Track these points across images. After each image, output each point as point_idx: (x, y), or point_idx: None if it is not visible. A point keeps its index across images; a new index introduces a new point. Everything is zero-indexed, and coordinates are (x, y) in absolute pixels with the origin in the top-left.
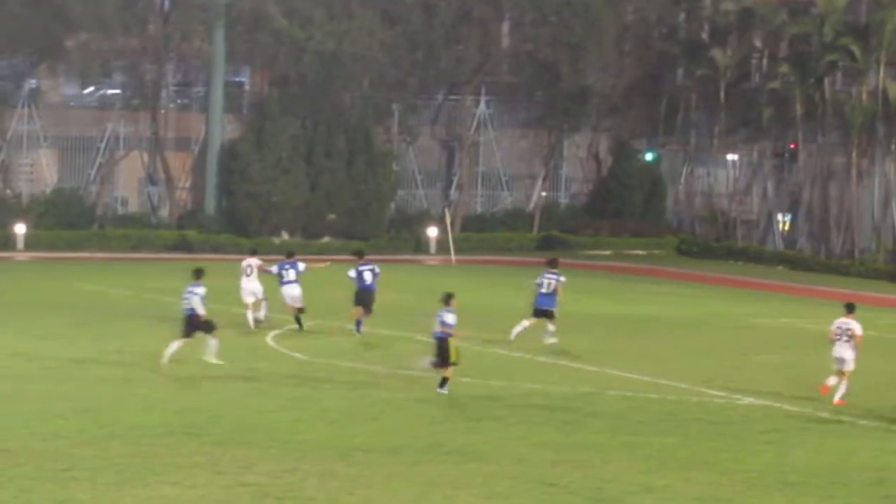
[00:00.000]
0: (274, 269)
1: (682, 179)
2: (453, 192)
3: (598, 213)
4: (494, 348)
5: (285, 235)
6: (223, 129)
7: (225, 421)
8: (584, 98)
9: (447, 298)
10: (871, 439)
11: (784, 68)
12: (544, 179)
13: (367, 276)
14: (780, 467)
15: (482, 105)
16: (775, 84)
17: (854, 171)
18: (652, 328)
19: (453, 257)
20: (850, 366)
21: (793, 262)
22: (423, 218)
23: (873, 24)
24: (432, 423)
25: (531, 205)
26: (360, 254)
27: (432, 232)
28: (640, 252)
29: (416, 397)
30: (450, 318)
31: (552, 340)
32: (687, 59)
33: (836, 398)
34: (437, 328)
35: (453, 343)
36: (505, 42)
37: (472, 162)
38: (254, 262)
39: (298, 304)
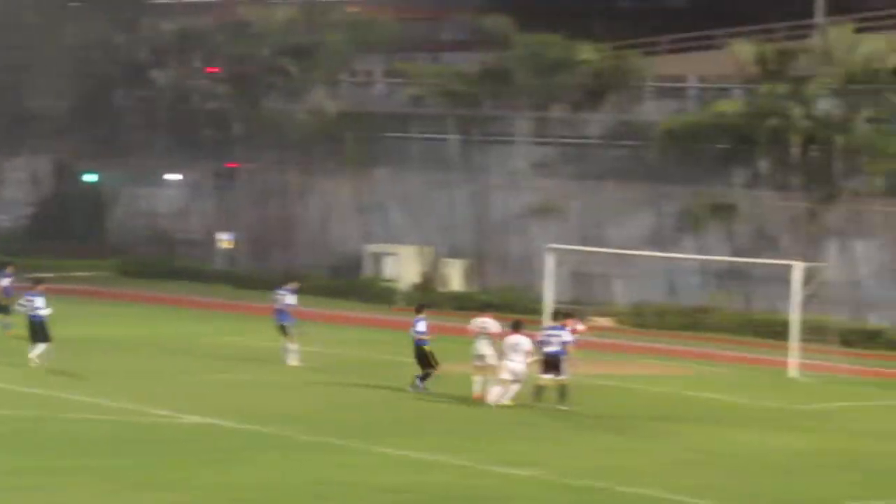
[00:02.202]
0: None
1: (125, 200)
2: None
3: (40, 236)
4: None
5: None
6: None
7: None
8: (24, 120)
9: (420, 308)
10: (314, 453)
11: (223, 88)
12: None
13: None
14: (228, 484)
15: None
16: (214, 104)
17: (294, 189)
18: (96, 350)
19: None
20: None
21: (234, 280)
22: None
23: (311, 45)
24: None
25: None
26: None
27: None
28: (83, 273)
29: None
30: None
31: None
32: (128, 79)
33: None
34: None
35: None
36: None
37: None
38: None
39: None
